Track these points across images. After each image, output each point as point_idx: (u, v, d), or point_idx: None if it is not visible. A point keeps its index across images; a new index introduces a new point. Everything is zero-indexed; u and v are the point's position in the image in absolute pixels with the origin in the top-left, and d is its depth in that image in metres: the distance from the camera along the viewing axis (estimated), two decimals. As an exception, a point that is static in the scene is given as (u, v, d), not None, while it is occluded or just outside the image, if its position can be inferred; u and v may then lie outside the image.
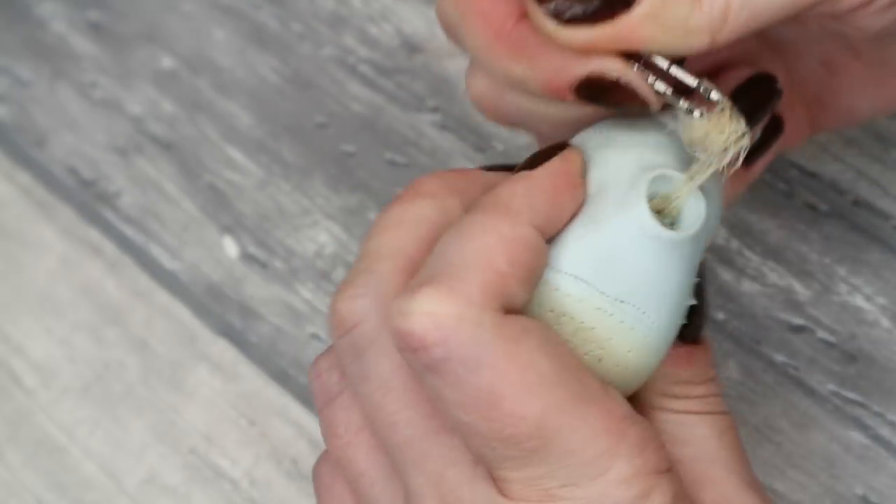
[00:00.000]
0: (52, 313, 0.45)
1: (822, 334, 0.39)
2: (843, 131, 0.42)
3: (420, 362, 0.27)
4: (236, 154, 0.47)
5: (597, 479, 0.27)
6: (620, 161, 0.30)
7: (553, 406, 0.27)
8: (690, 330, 0.31)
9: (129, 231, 0.46)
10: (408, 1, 0.48)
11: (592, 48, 0.29)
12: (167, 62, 0.50)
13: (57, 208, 0.47)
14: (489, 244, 0.27)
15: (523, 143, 0.45)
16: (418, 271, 0.28)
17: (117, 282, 0.45)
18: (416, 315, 0.27)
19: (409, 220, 0.30)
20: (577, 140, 0.32)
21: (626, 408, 0.28)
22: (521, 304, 0.28)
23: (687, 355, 0.31)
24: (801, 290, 0.40)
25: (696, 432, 0.31)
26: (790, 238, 0.41)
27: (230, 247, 0.45)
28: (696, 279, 0.31)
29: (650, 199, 0.29)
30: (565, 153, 0.30)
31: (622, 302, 0.29)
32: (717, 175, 0.30)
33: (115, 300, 0.45)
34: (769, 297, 0.40)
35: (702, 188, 0.30)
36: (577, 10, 0.28)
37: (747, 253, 0.41)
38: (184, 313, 0.44)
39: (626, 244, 0.29)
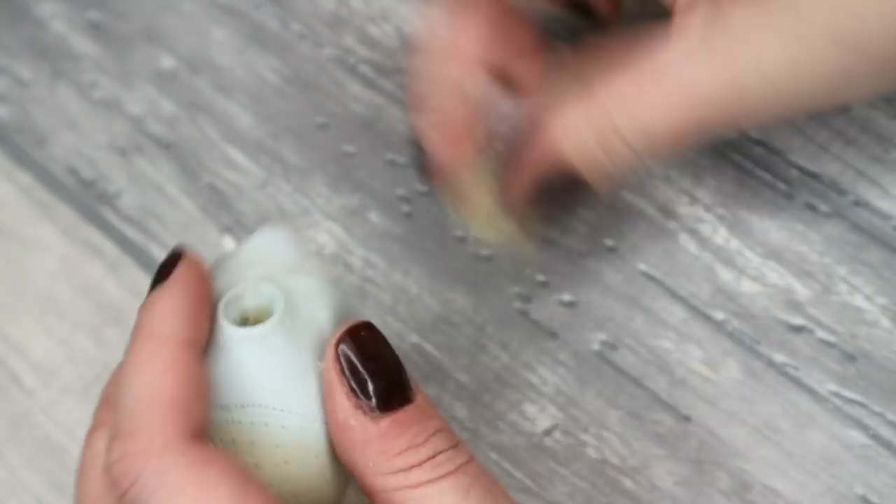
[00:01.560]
0: (52, 313, 0.45)
1: (822, 334, 0.39)
2: (843, 131, 0.42)
3: (122, 497, 0.29)
4: (236, 154, 0.47)
5: None
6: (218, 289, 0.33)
7: None
8: (385, 398, 0.30)
9: (129, 231, 0.46)
10: (408, 1, 0.48)
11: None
12: (167, 62, 0.50)
13: (57, 208, 0.47)
14: (154, 376, 0.30)
15: (523, 143, 0.45)
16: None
17: (117, 282, 0.45)
18: (112, 464, 0.29)
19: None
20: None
21: None
22: (202, 420, 0.30)
23: (395, 424, 0.30)
24: (801, 290, 0.40)
25: (443, 501, 0.30)
26: (790, 238, 0.41)
27: (230, 247, 0.45)
28: (319, 363, 0.32)
29: (243, 315, 0.32)
30: (186, 261, 0.32)
31: (260, 406, 0.31)
32: (320, 276, 0.33)
33: (115, 300, 0.45)
34: (769, 297, 0.40)
35: (285, 286, 0.32)
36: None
37: (747, 253, 0.41)
38: (184, 313, 0.44)
39: (228, 357, 0.31)
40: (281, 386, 0.32)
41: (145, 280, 0.45)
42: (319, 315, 0.33)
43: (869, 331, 0.39)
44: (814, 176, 0.42)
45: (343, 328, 0.31)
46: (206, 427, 0.31)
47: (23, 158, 0.49)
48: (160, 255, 0.45)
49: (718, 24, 0.35)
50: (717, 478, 0.38)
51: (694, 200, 0.42)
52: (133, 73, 0.50)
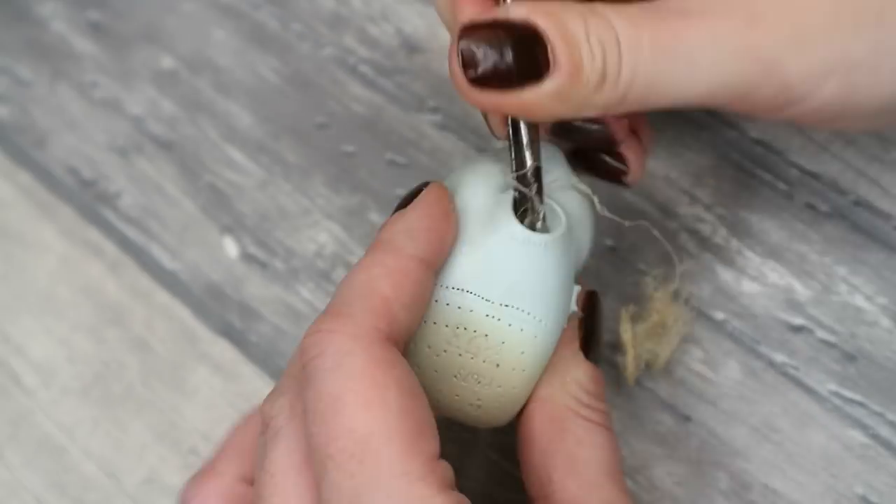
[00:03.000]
0: (52, 313, 0.45)
1: (822, 334, 0.39)
2: (844, 131, 0.42)
3: (305, 374, 0.30)
4: (236, 154, 0.47)
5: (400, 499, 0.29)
6: (481, 185, 0.34)
7: (383, 431, 0.29)
8: (591, 351, 0.35)
9: (129, 231, 0.46)
10: (408, 1, 0.48)
11: (497, 111, 0.34)
12: (167, 62, 0.50)
13: (57, 208, 0.47)
14: (373, 275, 0.31)
15: (523, 143, 0.45)
16: None
17: (117, 282, 0.45)
18: (309, 334, 0.30)
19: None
20: (452, 174, 0.36)
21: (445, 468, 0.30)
22: (407, 327, 0.31)
23: (597, 375, 0.35)
24: (801, 290, 0.40)
25: (598, 440, 0.33)
26: (790, 238, 0.41)
27: (230, 247, 0.45)
28: (576, 286, 0.35)
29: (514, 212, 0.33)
30: (431, 187, 0.34)
31: (506, 306, 0.33)
32: (586, 200, 0.35)
33: (116, 300, 0.45)
34: (769, 297, 0.40)
35: (560, 203, 0.34)
36: (489, 65, 0.31)
37: (747, 253, 0.41)
38: (184, 313, 0.44)
39: (501, 253, 0.33)
40: (541, 294, 0.33)
41: (145, 280, 0.45)
42: (583, 237, 0.35)
43: (869, 331, 0.39)
44: (814, 176, 0.42)
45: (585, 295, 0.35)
46: (409, 337, 0.32)
47: (23, 158, 0.49)
48: (160, 255, 0.45)
49: None
50: (717, 478, 0.38)
51: (694, 200, 0.42)
52: (133, 73, 0.50)
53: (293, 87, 0.48)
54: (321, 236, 0.45)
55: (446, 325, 0.33)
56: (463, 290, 0.33)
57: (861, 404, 0.38)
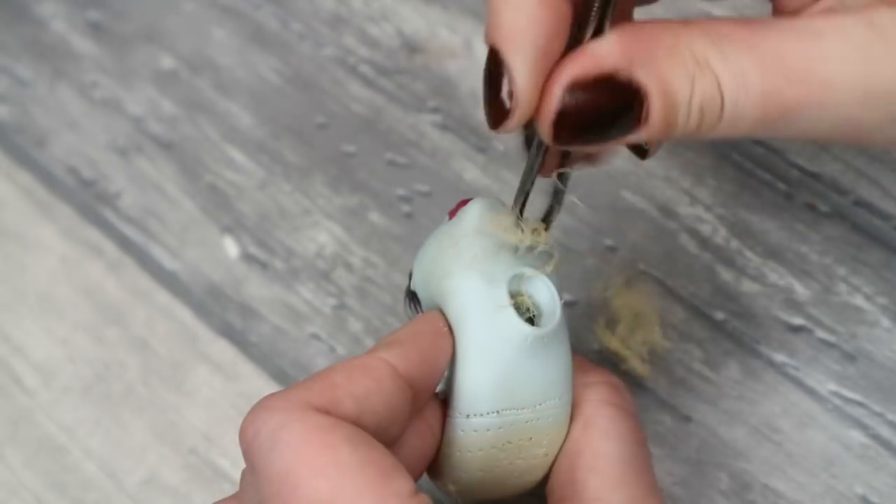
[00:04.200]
0: (52, 313, 0.45)
1: (821, 334, 0.39)
2: None
3: (245, 456, 0.29)
4: (236, 154, 0.47)
5: None
6: (467, 285, 0.32)
7: (348, 491, 0.28)
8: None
9: (129, 231, 0.46)
10: (408, 1, 0.48)
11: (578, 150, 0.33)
12: (167, 62, 0.50)
13: (57, 208, 0.47)
14: (335, 367, 0.30)
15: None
16: None
17: (117, 282, 0.45)
18: (246, 418, 0.30)
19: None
20: (417, 269, 0.34)
21: (422, 498, 0.29)
22: (356, 418, 0.30)
23: (578, 357, 0.34)
24: (801, 290, 0.40)
25: (622, 428, 0.33)
26: (790, 238, 0.41)
27: (230, 247, 0.45)
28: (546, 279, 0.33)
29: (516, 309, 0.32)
30: (424, 314, 0.33)
31: (540, 404, 0.32)
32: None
33: (116, 300, 0.45)
34: (769, 297, 0.40)
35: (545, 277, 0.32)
36: (585, 118, 0.29)
37: (747, 253, 0.41)
38: (184, 313, 0.44)
39: (517, 362, 0.31)
40: (564, 371, 0.32)
41: (145, 280, 0.45)
42: (556, 295, 0.33)
43: (869, 331, 0.39)
44: (814, 176, 0.42)
45: None
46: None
47: (23, 158, 0.49)
48: (160, 255, 0.45)
49: (867, 16, 0.29)
50: (717, 478, 0.38)
51: (694, 200, 0.42)
52: (133, 73, 0.50)
53: (293, 87, 0.48)
54: (321, 236, 0.45)
55: (480, 450, 0.32)
56: (499, 411, 0.32)
57: (861, 404, 0.38)
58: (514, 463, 0.32)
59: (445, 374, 0.32)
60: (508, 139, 0.45)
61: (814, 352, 0.39)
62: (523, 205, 0.33)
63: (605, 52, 0.29)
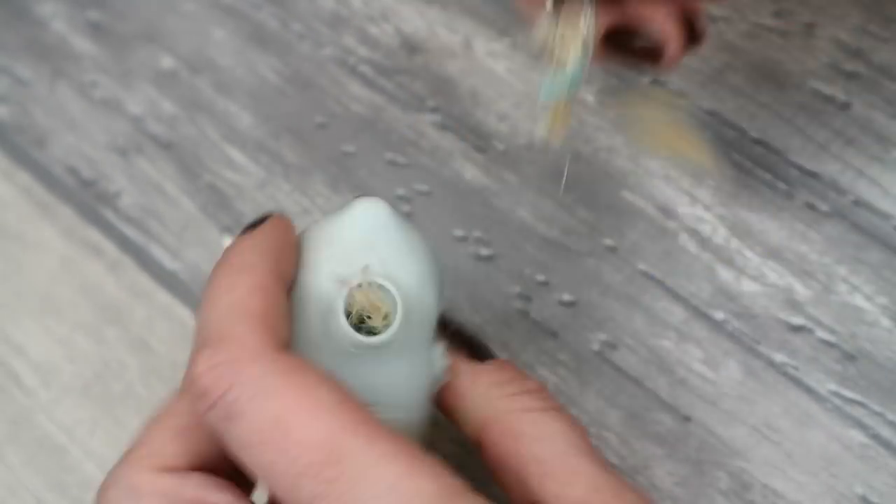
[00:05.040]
0: (52, 313, 0.45)
1: (821, 334, 0.39)
2: (843, 131, 0.42)
3: (219, 415, 0.28)
4: (236, 154, 0.47)
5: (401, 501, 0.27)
6: (318, 277, 0.32)
7: (340, 429, 0.28)
8: (483, 352, 0.34)
9: (129, 231, 0.46)
10: (408, 1, 0.48)
11: None
12: (167, 62, 0.50)
13: (57, 208, 0.47)
14: (238, 297, 0.30)
15: (523, 143, 0.45)
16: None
17: (117, 282, 0.45)
18: (200, 375, 0.29)
19: (168, 412, 0.32)
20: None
21: (412, 441, 0.29)
22: (288, 341, 0.30)
23: (500, 362, 0.34)
24: (801, 290, 0.40)
25: (553, 427, 0.32)
26: (790, 238, 0.41)
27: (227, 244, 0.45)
28: (437, 346, 0.33)
29: (348, 310, 0.31)
30: (276, 216, 0.33)
31: (373, 404, 0.30)
32: (424, 257, 0.33)
33: (115, 300, 0.45)
34: (769, 297, 0.40)
35: (392, 279, 0.32)
36: None
37: (747, 253, 0.41)
38: (184, 313, 0.44)
39: (341, 364, 0.31)
40: (392, 386, 0.32)
41: (145, 280, 0.45)
42: (427, 300, 0.33)
43: (869, 331, 0.39)
44: (814, 176, 0.42)
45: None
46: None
47: (23, 158, 0.49)
48: (160, 255, 0.45)
49: None
50: (717, 478, 0.38)
51: (694, 200, 0.42)
52: (133, 73, 0.50)
53: (293, 87, 0.48)
54: (321, 236, 0.45)
55: None
56: None
57: (861, 404, 0.38)
58: None
59: None
60: (507, 138, 0.45)
61: (814, 352, 0.39)
62: None
63: None
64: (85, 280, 0.46)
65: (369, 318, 0.32)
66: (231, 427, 0.28)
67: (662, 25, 0.35)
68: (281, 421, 0.28)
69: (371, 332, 0.31)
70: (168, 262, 0.45)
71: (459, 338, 0.35)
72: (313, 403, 0.28)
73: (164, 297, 0.45)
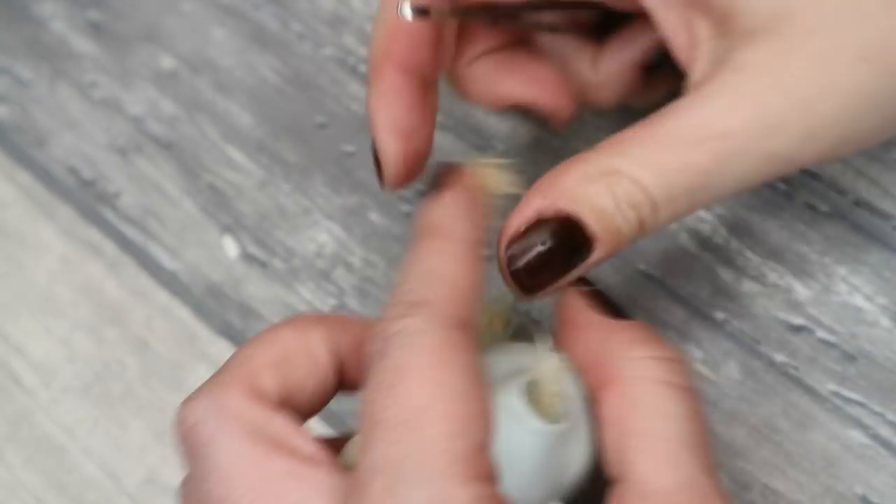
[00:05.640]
0: (52, 313, 0.45)
1: (822, 334, 0.39)
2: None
3: (377, 349, 0.30)
4: (236, 154, 0.47)
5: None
6: (501, 384, 0.32)
7: (436, 409, 0.28)
8: (618, 309, 0.34)
9: (129, 231, 0.46)
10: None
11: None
12: (167, 62, 0.50)
13: (57, 208, 0.47)
14: (436, 263, 0.31)
15: (524, 143, 0.45)
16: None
17: (117, 282, 0.45)
18: (388, 320, 0.30)
19: (267, 339, 0.33)
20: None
21: (486, 456, 0.29)
22: (477, 311, 0.31)
23: (637, 324, 0.33)
24: (801, 290, 0.40)
25: (674, 410, 0.31)
26: (790, 238, 0.41)
27: (230, 247, 0.45)
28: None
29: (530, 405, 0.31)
30: (454, 170, 0.35)
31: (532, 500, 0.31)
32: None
33: (115, 300, 0.45)
34: (769, 297, 0.40)
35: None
36: (537, 263, 0.33)
37: (747, 253, 0.41)
38: (184, 313, 0.44)
39: (522, 452, 0.31)
40: (550, 481, 0.32)
41: (145, 280, 0.45)
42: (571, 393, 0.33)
43: (869, 331, 0.39)
44: (814, 176, 0.42)
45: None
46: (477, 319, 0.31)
47: (23, 158, 0.49)
48: (160, 255, 0.45)
49: (736, 62, 0.33)
50: (716, 478, 0.38)
51: (694, 200, 0.42)
52: (133, 73, 0.50)
53: (293, 87, 0.48)
54: (321, 236, 0.45)
55: None
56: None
57: (861, 404, 0.38)
58: None
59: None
60: (507, 138, 0.45)
61: (814, 352, 0.39)
62: None
63: (526, 204, 0.33)
64: (85, 280, 0.46)
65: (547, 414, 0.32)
66: (375, 363, 0.29)
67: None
68: (401, 372, 0.29)
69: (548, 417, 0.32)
70: (168, 262, 0.45)
71: (597, 295, 0.34)
72: (437, 375, 0.29)
73: (163, 297, 0.45)
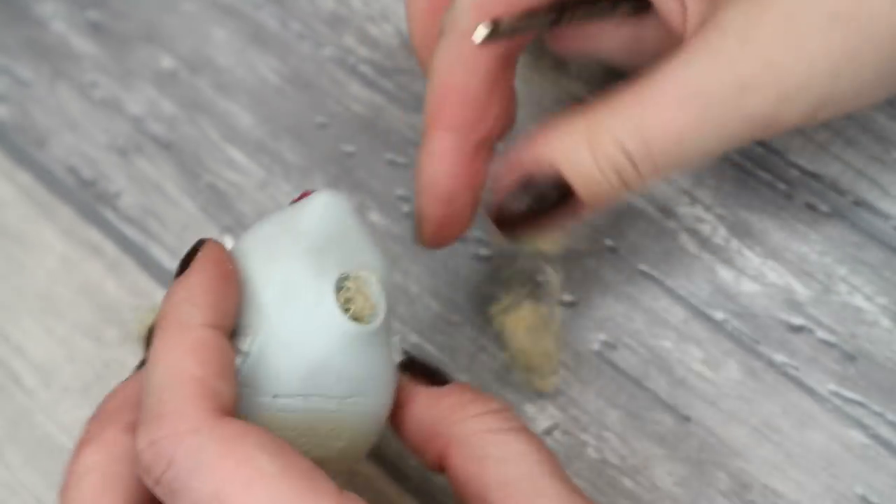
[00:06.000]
0: (52, 313, 0.45)
1: (822, 334, 0.39)
2: (843, 131, 0.42)
3: (164, 491, 0.28)
4: (236, 154, 0.47)
5: None
6: (295, 269, 0.32)
7: (278, 500, 0.28)
8: (439, 375, 0.35)
9: (129, 231, 0.46)
10: (408, 1, 0.48)
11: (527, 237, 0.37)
12: (167, 62, 0.50)
13: (57, 208, 0.47)
14: (175, 360, 0.30)
15: (523, 143, 0.45)
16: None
17: (117, 282, 0.45)
18: (142, 451, 0.29)
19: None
20: (239, 245, 0.34)
21: (350, 497, 0.29)
22: (229, 396, 0.30)
23: (459, 387, 0.34)
24: (801, 290, 0.40)
25: (517, 448, 0.32)
26: (790, 238, 0.41)
27: (230, 247, 0.45)
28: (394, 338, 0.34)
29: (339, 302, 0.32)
30: (206, 247, 0.32)
31: (337, 398, 0.32)
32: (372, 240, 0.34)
33: (115, 300, 0.45)
34: (769, 297, 0.40)
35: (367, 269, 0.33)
36: (524, 212, 0.35)
37: (747, 253, 0.41)
38: (184, 313, 0.44)
39: (332, 352, 0.32)
40: (377, 373, 0.33)
41: (145, 280, 0.45)
42: (388, 289, 0.33)
43: (869, 331, 0.39)
44: (814, 176, 0.41)
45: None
46: (236, 406, 0.30)
47: (23, 158, 0.49)
48: (160, 255, 0.45)
49: (714, 24, 0.34)
50: (717, 478, 0.38)
51: (694, 200, 0.42)
52: (133, 73, 0.50)
53: (293, 87, 0.48)
54: (321, 236, 0.45)
55: (294, 431, 0.32)
56: (296, 395, 0.32)
57: (861, 404, 0.38)
58: (311, 452, 0.32)
59: (245, 354, 0.32)
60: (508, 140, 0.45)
61: (814, 352, 0.39)
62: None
63: (514, 159, 0.35)
64: (85, 280, 0.46)
65: (347, 309, 0.32)
66: (175, 498, 0.28)
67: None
68: (220, 495, 0.28)
69: (357, 321, 0.32)
70: (168, 262, 0.45)
71: (414, 366, 0.35)
72: (252, 474, 0.28)
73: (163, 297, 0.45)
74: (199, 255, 0.32)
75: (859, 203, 0.41)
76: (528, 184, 0.34)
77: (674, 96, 0.33)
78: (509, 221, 0.35)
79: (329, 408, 0.32)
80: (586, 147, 0.34)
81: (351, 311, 0.32)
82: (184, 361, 0.30)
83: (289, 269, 0.32)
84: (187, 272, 0.32)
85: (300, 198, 0.34)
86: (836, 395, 0.39)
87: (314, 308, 0.32)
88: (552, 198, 0.34)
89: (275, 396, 0.32)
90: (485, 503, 0.31)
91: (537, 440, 0.33)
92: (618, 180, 0.34)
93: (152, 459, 0.29)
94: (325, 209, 0.33)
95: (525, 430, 0.33)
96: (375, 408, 0.33)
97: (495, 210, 0.35)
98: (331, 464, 0.32)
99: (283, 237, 0.33)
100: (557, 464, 0.32)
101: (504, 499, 0.31)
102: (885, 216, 0.40)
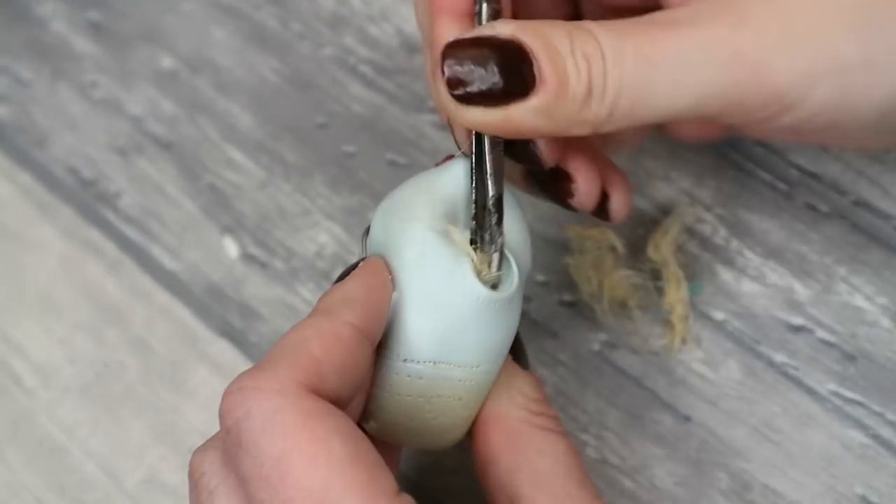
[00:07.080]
0: (52, 313, 0.45)
1: (821, 334, 0.39)
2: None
3: (232, 440, 0.29)
4: (236, 154, 0.47)
5: None
6: (432, 234, 0.32)
7: (338, 484, 0.28)
8: (523, 360, 0.35)
9: (129, 231, 0.46)
10: (408, 1, 0.48)
11: (481, 129, 0.32)
12: (167, 62, 0.50)
13: (57, 208, 0.47)
14: (305, 336, 0.30)
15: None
16: None
17: (117, 282, 0.45)
18: (230, 392, 0.29)
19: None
20: (382, 205, 0.34)
21: (405, 499, 0.29)
22: (338, 393, 0.30)
23: (537, 382, 0.35)
24: (801, 290, 0.40)
25: (559, 449, 0.33)
26: (790, 238, 0.41)
27: (230, 247, 0.45)
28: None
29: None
30: (369, 260, 0.33)
31: (477, 366, 0.32)
32: (517, 216, 0.34)
33: (115, 300, 0.45)
34: (769, 297, 0.40)
35: (509, 248, 0.33)
36: (474, 82, 0.31)
37: (747, 253, 0.41)
38: (184, 313, 0.44)
39: (465, 320, 0.32)
40: (503, 343, 0.33)
41: (145, 280, 0.45)
42: (526, 262, 0.34)
43: (869, 331, 0.39)
44: (814, 176, 0.42)
45: None
46: (344, 404, 0.30)
47: (23, 158, 0.49)
48: (160, 255, 0.45)
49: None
50: (717, 478, 0.38)
51: (694, 200, 0.42)
52: (133, 73, 0.50)
53: (293, 87, 0.48)
54: (321, 236, 0.45)
55: (408, 396, 0.32)
56: (435, 362, 0.32)
57: (861, 404, 0.38)
58: (438, 418, 0.33)
59: None
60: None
61: (814, 352, 0.39)
62: (481, 223, 0.33)
63: (490, 24, 0.32)
64: (85, 280, 0.46)
65: (482, 274, 0.32)
66: (239, 454, 0.29)
67: (576, 176, 0.36)
68: (284, 461, 0.28)
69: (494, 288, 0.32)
70: (168, 263, 0.46)
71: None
72: (320, 452, 0.28)
73: (164, 297, 0.45)
74: (361, 266, 0.33)
75: (859, 203, 0.41)
76: (490, 48, 0.31)
77: (660, 20, 0.32)
78: (456, 80, 0.32)
79: (456, 376, 0.32)
80: (565, 35, 0.31)
81: (485, 276, 0.32)
82: (311, 340, 0.30)
83: (426, 233, 0.32)
84: (347, 278, 0.33)
85: (443, 161, 0.35)
86: (836, 395, 0.39)
87: (451, 274, 0.32)
88: (511, 74, 0.31)
89: (405, 361, 0.32)
90: (511, 482, 0.32)
91: (577, 451, 0.34)
92: (585, 74, 0.31)
93: (233, 404, 0.29)
94: (465, 175, 0.33)
95: (569, 438, 0.34)
96: (494, 376, 0.33)
97: (444, 61, 0.32)
98: (454, 430, 0.33)
99: (422, 200, 0.33)
100: (589, 478, 0.33)
101: (533, 485, 0.32)
102: (885, 216, 0.41)
